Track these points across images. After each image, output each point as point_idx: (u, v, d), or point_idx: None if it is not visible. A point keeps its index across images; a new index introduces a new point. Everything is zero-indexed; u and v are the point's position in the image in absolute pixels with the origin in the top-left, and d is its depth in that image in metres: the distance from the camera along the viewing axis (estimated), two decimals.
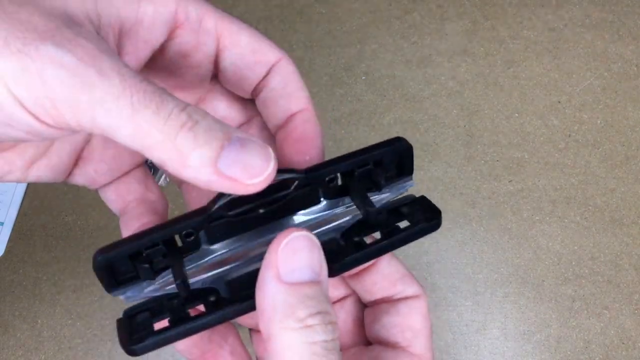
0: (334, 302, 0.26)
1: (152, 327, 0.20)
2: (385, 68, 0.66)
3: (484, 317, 0.56)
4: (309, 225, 0.23)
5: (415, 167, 0.60)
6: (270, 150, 0.18)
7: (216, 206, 0.20)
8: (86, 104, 0.16)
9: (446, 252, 0.58)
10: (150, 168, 0.65)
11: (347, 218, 0.23)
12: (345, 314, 0.26)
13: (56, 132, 0.17)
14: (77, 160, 0.23)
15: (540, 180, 0.60)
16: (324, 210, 0.23)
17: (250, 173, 0.17)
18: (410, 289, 0.24)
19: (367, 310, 0.25)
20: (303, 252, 0.19)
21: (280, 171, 0.20)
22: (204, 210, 0.20)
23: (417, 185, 0.60)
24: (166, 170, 0.18)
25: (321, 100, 0.64)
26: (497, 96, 0.64)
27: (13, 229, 0.59)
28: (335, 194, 0.22)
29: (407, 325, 0.24)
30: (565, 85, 0.64)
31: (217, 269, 0.22)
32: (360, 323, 0.26)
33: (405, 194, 0.23)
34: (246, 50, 0.22)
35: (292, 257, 0.19)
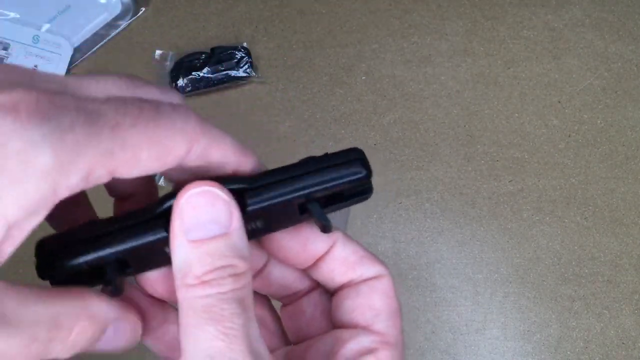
0: (302, 295, 0.26)
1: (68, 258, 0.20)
2: (385, 68, 0.66)
3: (484, 317, 0.56)
4: None
5: (415, 167, 0.61)
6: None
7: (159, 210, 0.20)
8: None
9: (446, 252, 0.58)
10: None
11: None
12: (312, 307, 0.25)
13: None
14: None
15: (540, 180, 0.60)
16: None
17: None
18: (371, 270, 0.23)
19: (332, 298, 0.25)
20: (204, 208, 0.19)
21: (227, 180, 0.20)
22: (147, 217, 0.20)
23: (417, 185, 0.60)
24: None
25: (321, 100, 0.64)
26: (497, 96, 0.64)
27: None
28: None
29: (368, 306, 0.23)
30: (565, 85, 0.64)
31: None
32: (329, 314, 0.25)
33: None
34: (145, 165, 0.18)
35: (192, 214, 0.19)
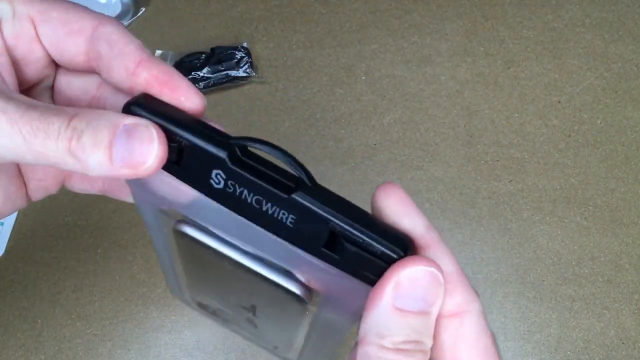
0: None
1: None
2: (385, 68, 0.66)
3: None
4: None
5: (415, 167, 0.61)
6: (153, 130, 0.20)
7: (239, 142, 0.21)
8: None
9: None
10: None
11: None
12: None
13: None
14: (22, 183, 0.25)
15: (540, 180, 0.60)
16: None
17: (139, 158, 0.20)
18: (449, 304, 0.21)
19: None
20: (422, 283, 0.20)
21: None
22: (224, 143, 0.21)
23: (417, 185, 0.60)
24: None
25: (321, 100, 0.64)
26: (497, 96, 0.64)
27: (13, 229, 0.59)
28: None
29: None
30: (565, 85, 0.64)
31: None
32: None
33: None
34: (57, 24, 0.23)
35: (409, 285, 0.20)
